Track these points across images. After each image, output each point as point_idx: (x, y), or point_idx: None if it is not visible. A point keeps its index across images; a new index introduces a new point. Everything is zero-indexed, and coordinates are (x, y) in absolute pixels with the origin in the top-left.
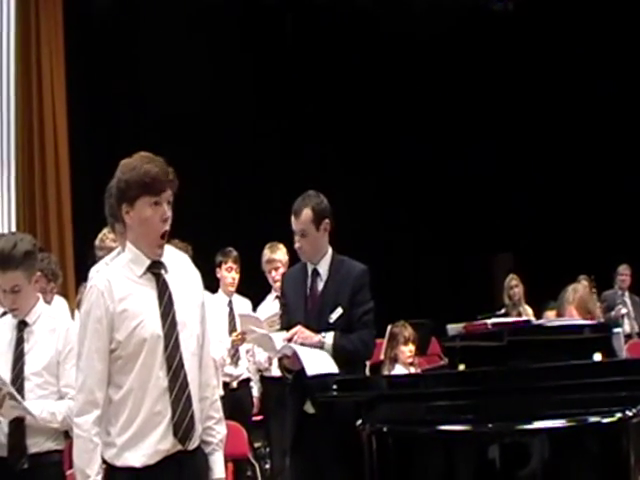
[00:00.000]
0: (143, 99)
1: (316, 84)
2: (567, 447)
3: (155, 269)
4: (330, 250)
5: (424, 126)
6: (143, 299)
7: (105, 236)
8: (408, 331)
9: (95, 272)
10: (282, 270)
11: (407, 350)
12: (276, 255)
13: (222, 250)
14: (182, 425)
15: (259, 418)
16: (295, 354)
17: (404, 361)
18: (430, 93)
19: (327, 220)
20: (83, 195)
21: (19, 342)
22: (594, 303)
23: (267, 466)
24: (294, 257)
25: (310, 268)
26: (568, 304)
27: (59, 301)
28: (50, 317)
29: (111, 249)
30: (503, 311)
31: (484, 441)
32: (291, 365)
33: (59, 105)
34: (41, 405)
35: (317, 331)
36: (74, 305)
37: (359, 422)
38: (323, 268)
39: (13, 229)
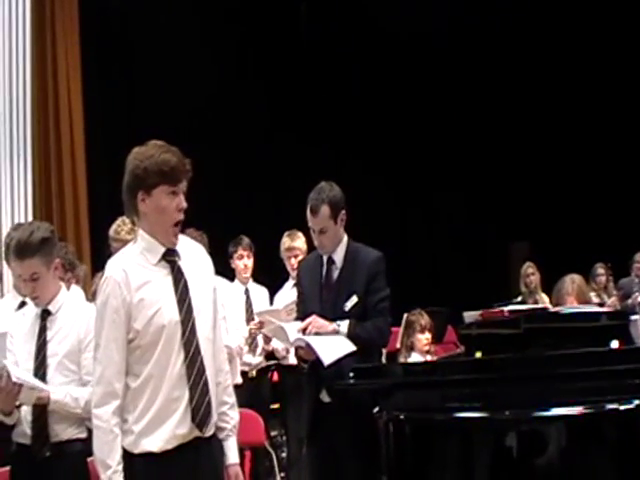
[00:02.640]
0: (158, 89)
1: (332, 72)
2: (584, 434)
3: (169, 257)
4: (345, 238)
5: (441, 113)
6: (159, 287)
7: (120, 228)
8: (424, 319)
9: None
10: (301, 258)
11: (423, 338)
12: (295, 243)
13: (234, 239)
14: (200, 410)
15: (276, 406)
16: (309, 346)
17: (420, 349)
18: (449, 82)
19: (343, 211)
20: (99, 186)
21: (42, 331)
22: (589, 292)
23: (283, 455)
24: (312, 245)
25: (325, 256)
26: (568, 295)
27: (76, 291)
28: (73, 305)
29: (126, 241)
30: (519, 299)
31: (501, 428)
32: (306, 355)
33: (75, 96)
34: (64, 391)
35: (333, 319)
36: (89, 296)
37: (376, 409)
38: (338, 256)
39: (30, 220)
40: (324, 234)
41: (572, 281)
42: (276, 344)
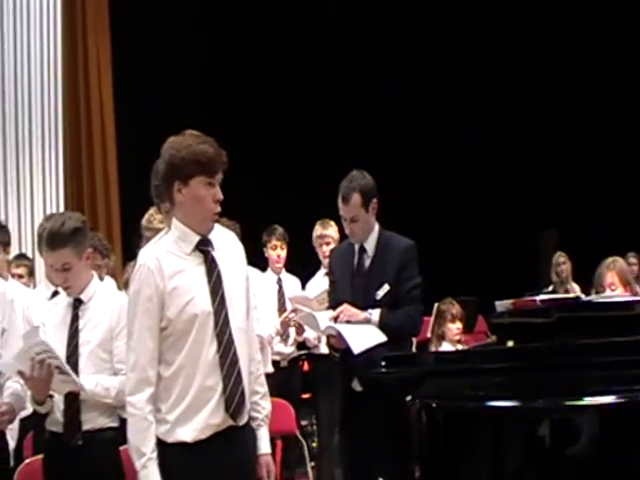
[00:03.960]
0: (189, 79)
1: (363, 59)
2: (617, 423)
3: (203, 246)
4: (377, 227)
5: (470, 100)
6: (192, 276)
7: (152, 217)
8: (455, 308)
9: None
10: (333, 246)
11: (454, 327)
12: (327, 231)
13: (267, 229)
14: (233, 400)
15: (306, 396)
16: (339, 334)
17: (451, 338)
18: (479, 68)
19: (375, 199)
20: (130, 176)
21: (74, 319)
22: (632, 279)
23: (314, 444)
24: (344, 234)
25: (357, 245)
26: (609, 270)
27: (107, 281)
28: (104, 294)
29: (158, 230)
30: (551, 288)
31: (533, 417)
32: (337, 344)
33: (105, 87)
34: (95, 380)
35: (364, 308)
36: (121, 285)
37: (408, 398)
38: (370, 245)
39: (61, 210)
40: (355, 222)
41: (614, 260)
42: (307, 333)
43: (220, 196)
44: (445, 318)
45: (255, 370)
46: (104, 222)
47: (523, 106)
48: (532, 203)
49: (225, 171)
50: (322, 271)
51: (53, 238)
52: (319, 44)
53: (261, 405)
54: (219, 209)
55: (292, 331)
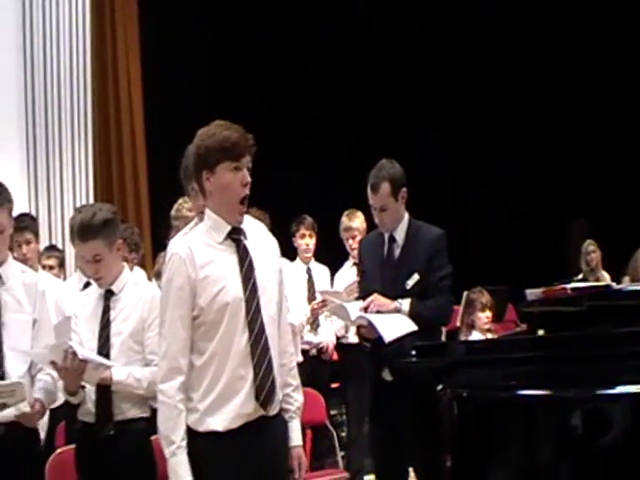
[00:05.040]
0: (218, 71)
1: (392, 48)
2: None
3: (235, 235)
4: (407, 216)
5: (500, 88)
6: (224, 265)
7: (181, 206)
8: (485, 297)
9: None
10: (359, 238)
11: (484, 316)
12: (354, 223)
13: (296, 218)
14: (264, 389)
15: (335, 386)
16: (370, 324)
17: (481, 327)
18: (509, 54)
19: (404, 188)
20: (159, 167)
21: (105, 311)
22: None
23: (342, 434)
24: (371, 224)
25: (387, 235)
26: None
27: (138, 272)
28: (136, 285)
29: (187, 218)
30: (580, 277)
31: (565, 407)
32: (368, 334)
33: (134, 79)
34: (126, 371)
35: (394, 298)
36: (151, 276)
37: (439, 387)
38: (400, 234)
39: (91, 202)
40: (384, 212)
41: None
42: (336, 323)
43: (248, 179)
44: (475, 307)
45: (288, 362)
46: (133, 214)
47: (554, 94)
48: (563, 191)
49: (254, 161)
50: (350, 262)
51: (84, 229)
52: (350, 34)
53: (293, 397)
54: (247, 192)
55: (322, 320)
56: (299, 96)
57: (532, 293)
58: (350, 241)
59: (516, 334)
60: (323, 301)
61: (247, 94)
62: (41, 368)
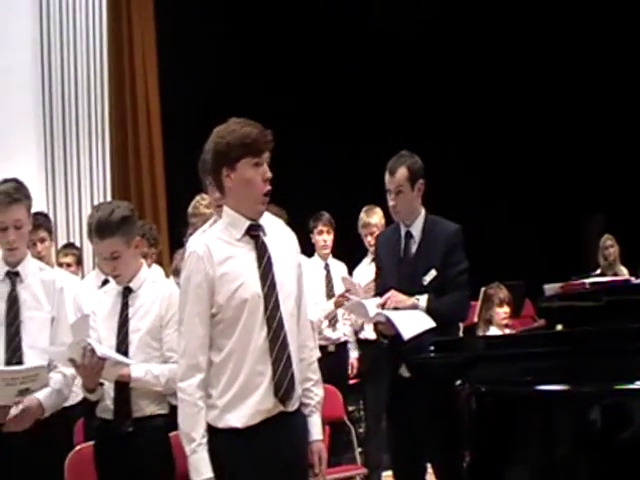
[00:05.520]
0: (234, 66)
1: (408, 46)
2: None
3: (253, 231)
4: (423, 211)
5: (516, 85)
6: (242, 261)
7: (198, 203)
8: (503, 292)
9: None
10: (377, 234)
11: (502, 312)
12: (372, 219)
13: (314, 215)
14: (283, 385)
15: (353, 382)
16: (389, 321)
17: (499, 323)
18: (525, 49)
19: (422, 180)
20: (176, 165)
21: (123, 308)
22: None
23: (360, 429)
24: (390, 221)
25: (403, 230)
26: None
27: (155, 269)
28: (154, 282)
29: (204, 215)
30: (598, 272)
31: (584, 402)
32: (386, 330)
33: (151, 76)
34: (145, 368)
35: (411, 294)
36: (169, 273)
37: (458, 382)
38: (416, 230)
39: (108, 199)
40: (399, 196)
41: None
42: (353, 318)
43: (269, 174)
44: (492, 302)
45: (308, 357)
46: (150, 212)
47: (573, 90)
48: (580, 187)
49: (271, 158)
50: (368, 258)
51: (102, 227)
52: (369, 27)
53: (313, 392)
54: (269, 187)
55: (340, 316)
56: (317, 92)
57: (550, 288)
58: (369, 237)
59: (534, 329)
60: (347, 291)
61: (264, 91)
62: (55, 366)
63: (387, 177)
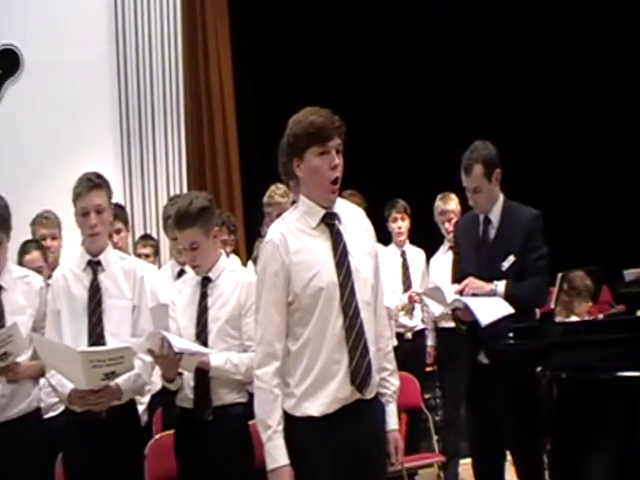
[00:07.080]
0: (309, 60)
1: (480, 31)
2: None
3: (329, 220)
4: (502, 197)
5: (579, 70)
6: (318, 250)
7: (273, 192)
8: (587, 284)
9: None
10: (455, 220)
11: (586, 306)
12: (449, 206)
13: (389, 202)
14: (359, 372)
15: (430, 369)
16: (466, 307)
17: (580, 316)
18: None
19: (498, 169)
20: (251, 155)
21: (203, 297)
22: None
23: (437, 417)
24: (465, 206)
25: (482, 216)
26: None
27: (233, 259)
28: (232, 271)
29: (280, 204)
30: None
31: None
32: (464, 317)
33: (225, 69)
34: (224, 357)
35: (490, 279)
36: (249, 261)
37: (539, 369)
38: (495, 215)
39: (184, 191)
40: (478, 193)
41: None
42: (432, 307)
43: (336, 162)
44: (577, 293)
45: (384, 347)
46: (226, 202)
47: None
48: None
49: (347, 146)
50: (445, 246)
51: (181, 218)
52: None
53: (389, 381)
54: (337, 174)
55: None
56: (391, 80)
57: (630, 273)
58: (446, 224)
59: (614, 315)
60: (419, 294)
61: (338, 81)
62: (134, 352)
63: (463, 175)
